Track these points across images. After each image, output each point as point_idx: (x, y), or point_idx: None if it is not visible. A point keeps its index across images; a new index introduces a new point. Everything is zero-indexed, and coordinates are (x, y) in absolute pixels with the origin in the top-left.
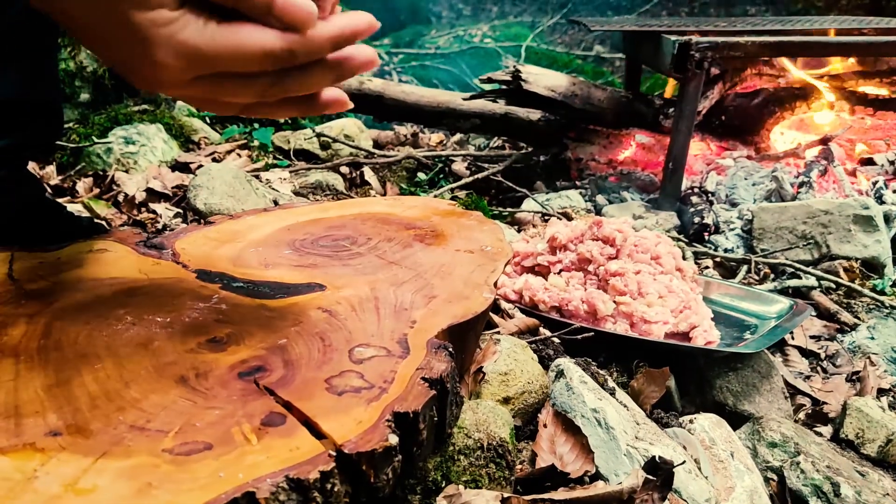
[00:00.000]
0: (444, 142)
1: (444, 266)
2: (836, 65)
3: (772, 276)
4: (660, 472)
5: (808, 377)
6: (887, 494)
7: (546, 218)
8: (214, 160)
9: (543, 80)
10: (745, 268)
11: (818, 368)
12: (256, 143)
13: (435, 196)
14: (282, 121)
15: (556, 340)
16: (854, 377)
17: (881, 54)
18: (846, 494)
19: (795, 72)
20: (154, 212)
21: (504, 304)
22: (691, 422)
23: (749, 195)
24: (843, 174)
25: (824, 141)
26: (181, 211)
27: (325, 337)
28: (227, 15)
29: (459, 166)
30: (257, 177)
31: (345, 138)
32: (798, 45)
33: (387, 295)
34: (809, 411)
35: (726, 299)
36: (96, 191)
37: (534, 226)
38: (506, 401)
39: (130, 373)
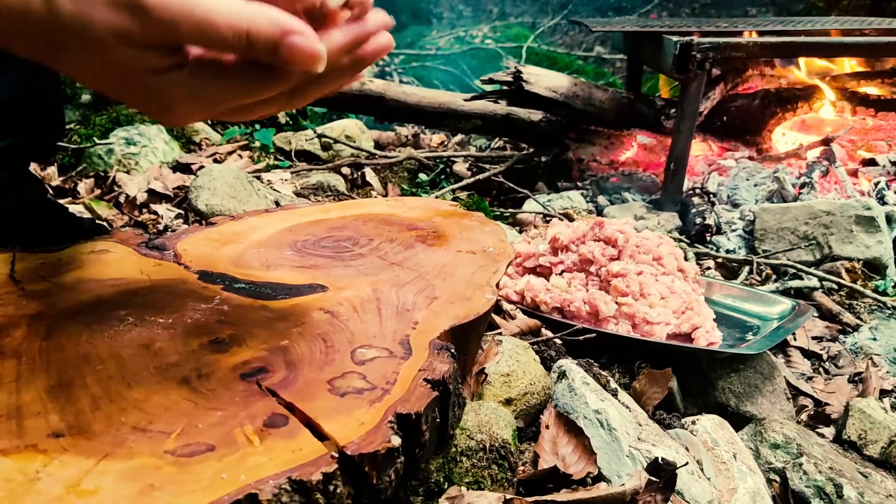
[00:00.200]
0: (446, 142)
1: (445, 267)
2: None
3: (774, 276)
4: (662, 474)
5: (810, 378)
6: (890, 496)
7: (547, 219)
8: (216, 161)
9: (544, 80)
10: (746, 269)
11: (820, 369)
12: (258, 144)
13: (436, 197)
14: (283, 122)
15: (558, 341)
16: (856, 378)
17: (882, 55)
18: (849, 496)
19: (798, 73)
20: (155, 213)
21: (506, 305)
22: (693, 423)
23: (751, 196)
24: (844, 175)
25: (826, 142)
26: (182, 212)
27: (328, 338)
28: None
29: (461, 167)
30: (259, 178)
31: (346, 139)
32: (799, 46)
33: (389, 296)
34: (812, 412)
35: (728, 300)
36: (97, 192)
37: (535, 227)
38: (508, 402)
39: (132, 374)
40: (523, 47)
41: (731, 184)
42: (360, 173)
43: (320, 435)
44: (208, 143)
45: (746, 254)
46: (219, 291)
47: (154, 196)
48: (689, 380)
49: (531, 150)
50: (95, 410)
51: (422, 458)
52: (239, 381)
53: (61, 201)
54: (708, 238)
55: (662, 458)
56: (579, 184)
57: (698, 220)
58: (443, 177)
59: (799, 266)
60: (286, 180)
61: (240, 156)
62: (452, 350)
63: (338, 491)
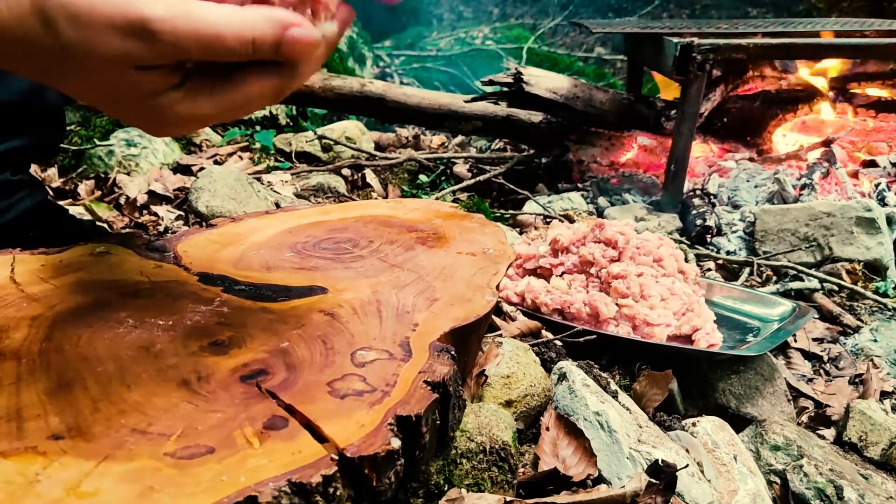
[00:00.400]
0: (446, 144)
1: (446, 269)
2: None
3: (774, 278)
4: (663, 476)
5: (810, 380)
6: (890, 497)
7: (548, 220)
8: (216, 162)
9: (545, 82)
10: (747, 270)
11: (821, 371)
12: (258, 145)
13: (437, 198)
14: (283, 123)
15: (559, 343)
16: (857, 380)
17: (883, 56)
18: (849, 498)
19: (800, 73)
20: (156, 214)
21: (506, 307)
22: (694, 425)
23: (751, 197)
24: (845, 176)
25: (826, 143)
26: (183, 213)
27: (328, 340)
28: (229, 68)
29: (461, 168)
30: (259, 179)
31: (346, 140)
32: (800, 47)
33: (389, 297)
34: (812, 414)
35: (729, 302)
36: (98, 193)
37: (535, 228)
38: (508, 404)
39: (132, 376)
40: (524, 48)
41: (732, 185)
42: (360, 175)
43: (320, 437)
44: (209, 145)
45: (747, 255)
46: (219, 293)
47: (154, 198)
48: (689, 381)
49: (531, 151)
50: (95, 412)
51: (422, 460)
52: (239, 383)
53: (61, 203)
54: (708, 239)
55: (663, 460)
56: (580, 185)
57: (699, 222)
58: (443, 178)
59: (799, 267)
60: (286, 182)
61: (240, 157)
62: (453, 352)
63: (338, 493)
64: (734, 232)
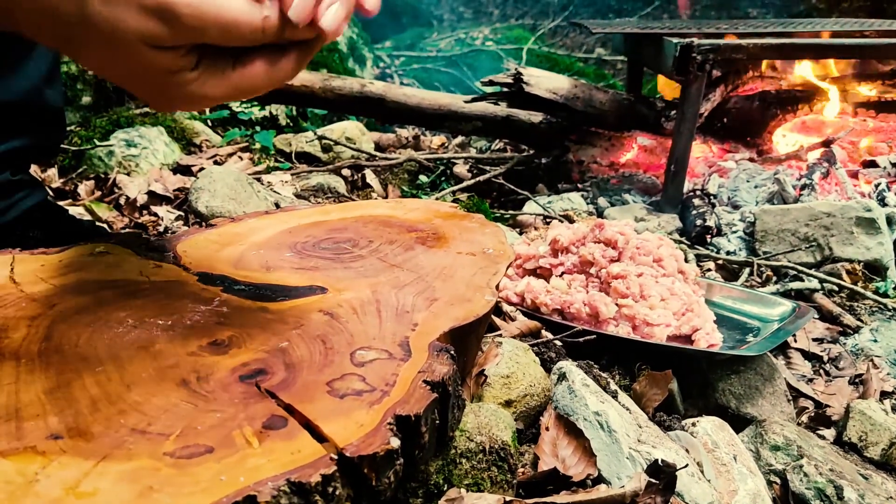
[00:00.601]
0: (446, 144)
1: (445, 269)
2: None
3: (774, 278)
4: (662, 476)
5: (810, 380)
6: (890, 498)
7: (548, 220)
8: (216, 163)
9: (545, 82)
10: (747, 270)
11: (821, 371)
12: (258, 145)
13: (437, 198)
14: (283, 124)
15: (558, 343)
16: (857, 380)
17: (883, 56)
18: (849, 498)
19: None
20: (155, 214)
21: (506, 307)
22: (694, 425)
23: (751, 197)
24: (845, 176)
25: (826, 143)
26: (182, 214)
27: (327, 339)
28: (242, 51)
29: (461, 169)
30: (259, 179)
31: (346, 141)
32: (800, 47)
33: (388, 297)
34: (812, 414)
35: (729, 302)
36: (98, 193)
37: (535, 228)
38: (508, 404)
39: (132, 376)
40: (524, 49)
41: (732, 185)
42: (360, 175)
43: (319, 437)
44: (208, 145)
45: (747, 255)
46: (218, 293)
47: (154, 198)
48: (689, 381)
49: (531, 151)
50: (94, 412)
51: (421, 459)
52: (238, 382)
53: (61, 203)
54: (708, 240)
55: (662, 460)
56: (579, 185)
57: (699, 222)
58: (443, 178)
59: (799, 268)
60: (286, 182)
61: (240, 157)
62: (452, 352)
63: (337, 493)
64: (734, 232)
